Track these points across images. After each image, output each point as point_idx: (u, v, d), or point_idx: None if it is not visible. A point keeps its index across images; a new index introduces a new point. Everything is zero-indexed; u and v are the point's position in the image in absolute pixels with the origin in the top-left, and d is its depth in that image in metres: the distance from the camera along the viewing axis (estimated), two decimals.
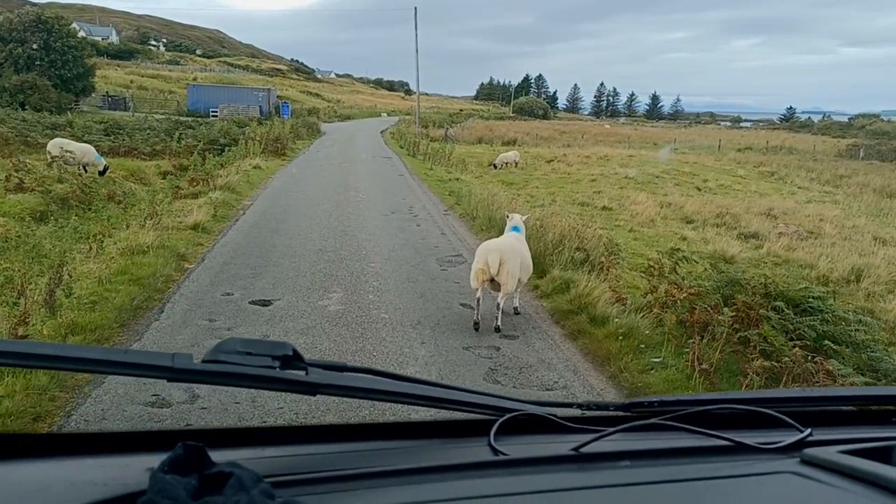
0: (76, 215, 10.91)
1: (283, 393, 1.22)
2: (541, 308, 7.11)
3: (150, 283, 7.23)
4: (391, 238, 10.40)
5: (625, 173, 27.22)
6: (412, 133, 42.87)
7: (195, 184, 13.84)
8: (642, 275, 10.10)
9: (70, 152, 14.64)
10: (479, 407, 1.18)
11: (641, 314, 6.14)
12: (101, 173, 15.00)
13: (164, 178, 16.47)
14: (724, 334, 4.89)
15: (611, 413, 1.28)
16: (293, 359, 1.00)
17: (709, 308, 5.45)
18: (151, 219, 10.18)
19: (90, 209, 9.49)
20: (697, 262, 7.41)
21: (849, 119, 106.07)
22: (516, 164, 29.33)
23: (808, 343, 5.08)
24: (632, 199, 19.48)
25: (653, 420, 1.17)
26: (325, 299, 7.06)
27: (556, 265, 8.09)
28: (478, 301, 6.26)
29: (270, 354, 0.98)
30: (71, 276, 6.69)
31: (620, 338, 5.71)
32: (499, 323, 6.18)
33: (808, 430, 1.12)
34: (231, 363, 0.95)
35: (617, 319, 6.09)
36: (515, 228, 6.81)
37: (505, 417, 1.14)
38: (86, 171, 14.99)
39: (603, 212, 17.76)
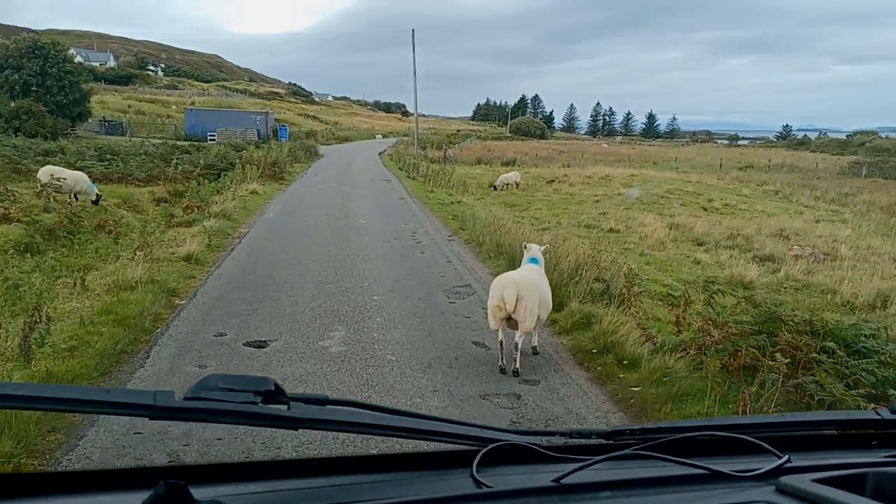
0: (63, 247, 10.42)
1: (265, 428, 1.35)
2: (561, 346, 6.55)
3: (137, 322, 6.68)
4: (395, 267, 9.86)
5: (629, 193, 26.80)
6: (411, 154, 42.58)
7: (190, 211, 13.33)
8: (660, 303, 9.61)
9: (61, 179, 14.10)
10: (462, 437, 1.17)
11: (677, 355, 5.57)
12: (95, 202, 14.43)
13: (158, 205, 15.99)
14: (780, 383, 4.33)
15: (593, 441, 1.28)
16: (275, 393, 1.00)
17: (755, 350, 4.89)
18: (142, 250, 9.65)
19: (77, 240, 8.95)
20: (734, 296, 6.83)
21: (846, 136, 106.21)
22: (517, 184, 28.94)
23: (869, 391, 4.52)
24: (639, 221, 19.01)
25: (633, 449, 1.18)
26: (325, 339, 6.50)
27: (573, 297, 7.53)
28: (500, 343, 5.71)
29: (252, 390, 0.99)
30: (49, 318, 6.15)
31: (656, 384, 5.14)
32: (517, 366, 5.62)
33: (786, 457, 1.13)
34: (213, 399, 0.96)
35: (649, 362, 5.52)
36: (533, 260, 6.26)
37: (488, 448, 1.13)
38: (77, 199, 14.42)
39: (610, 234, 17.26)
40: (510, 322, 5.66)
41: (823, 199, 32.68)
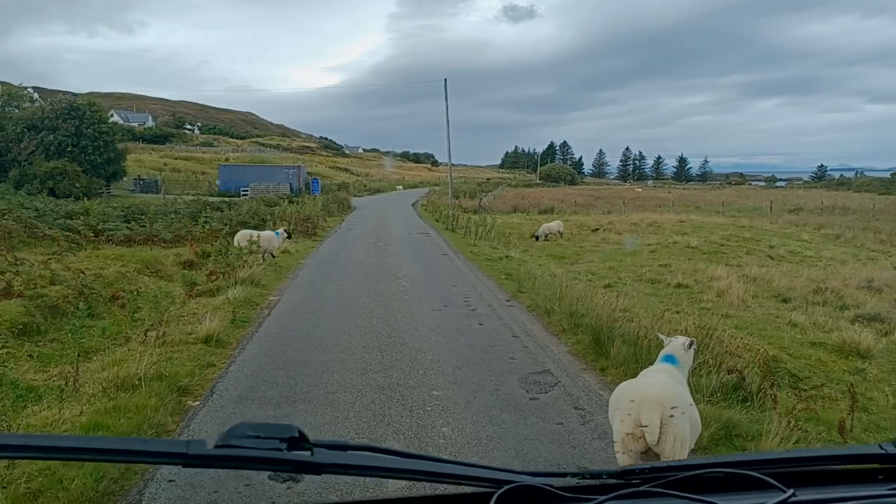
0: (69, 325, 9.03)
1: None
2: None
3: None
4: (451, 346, 8.20)
5: (685, 242, 24.90)
6: (444, 204, 41.38)
7: (214, 277, 11.92)
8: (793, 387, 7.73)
9: (254, 241, 14.88)
10: (478, 480, 1.18)
11: None
12: (288, 237, 16.33)
13: (185, 269, 14.70)
14: None
15: (605, 481, 1.27)
16: (299, 440, 1.05)
17: None
18: (154, 330, 8.19)
19: (71, 326, 7.51)
20: None
21: (892, 174, 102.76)
22: (561, 234, 27.34)
23: None
24: (708, 274, 17.11)
25: (642, 487, 1.19)
26: None
27: (698, 395, 5.76)
28: None
29: (278, 437, 1.03)
30: None
31: None
32: None
33: (791, 491, 1.14)
34: (242, 447, 1.01)
35: None
36: (669, 358, 4.48)
37: (502, 490, 1.15)
38: (273, 256, 15.38)
39: (679, 290, 15.43)
40: (647, 455, 3.93)
41: (891, 243, 30.35)
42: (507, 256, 17.57)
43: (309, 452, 1.05)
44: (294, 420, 5.64)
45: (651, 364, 4.60)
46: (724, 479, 1.23)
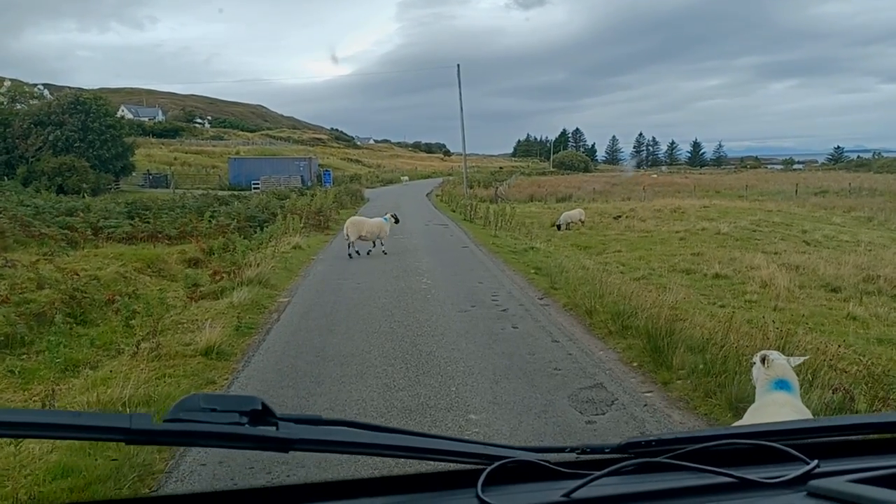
0: (56, 334, 8.14)
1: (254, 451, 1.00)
2: None
3: (109, 489, 4.16)
4: (485, 354, 7.20)
5: (714, 228, 23.73)
6: (459, 194, 40.36)
7: (218, 277, 10.98)
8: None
9: (365, 231, 15.16)
10: (466, 456, 1.08)
11: None
12: (396, 221, 16.17)
13: (189, 267, 13.81)
14: None
15: (607, 455, 1.16)
16: (263, 413, 0.93)
17: None
18: (149, 340, 7.27)
19: (48, 342, 6.58)
20: None
21: None
22: (582, 222, 26.32)
23: None
24: (746, 263, 16.00)
25: (649, 460, 1.08)
26: None
27: None
28: None
29: (237, 410, 0.92)
30: None
31: None
32: None
33: (815, 462, 1.04)
34: (194, 421, 0.89)
35: None
36: (782, 384, 3.40)
37: (493, 466, 1.04)
38: (383, 243, 15.41)
39: (717, 281, 14.37)
40: None
41: None
42: (532, 248, 16.53)
43: (274, 427, 0.92)
44: (308, 460, 4.67)
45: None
46: (738, 452, 1.11)
